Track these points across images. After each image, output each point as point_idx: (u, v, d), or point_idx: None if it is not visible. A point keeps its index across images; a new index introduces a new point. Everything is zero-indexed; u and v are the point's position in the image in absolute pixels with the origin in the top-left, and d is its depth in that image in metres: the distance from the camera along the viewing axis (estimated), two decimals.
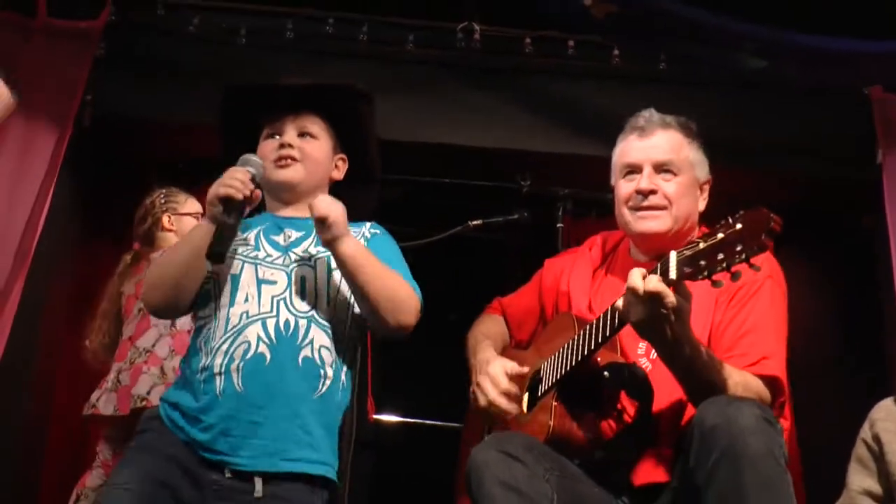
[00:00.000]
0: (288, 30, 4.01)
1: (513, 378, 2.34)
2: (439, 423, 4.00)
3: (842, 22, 3.56)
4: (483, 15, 4.08)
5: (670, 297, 1.89)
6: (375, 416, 3.88)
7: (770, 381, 2.13)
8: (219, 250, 2.07)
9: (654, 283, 1.89)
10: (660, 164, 2.35)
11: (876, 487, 2.38)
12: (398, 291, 2.20)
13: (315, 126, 2.38)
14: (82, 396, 3.50)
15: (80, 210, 4.07)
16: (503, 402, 2.30)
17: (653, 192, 2.33)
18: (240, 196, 2.11)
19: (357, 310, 2.25)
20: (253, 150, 2.34)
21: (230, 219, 2.10)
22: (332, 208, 2.16)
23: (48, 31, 3.83)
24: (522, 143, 4.11)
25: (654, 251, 2.32)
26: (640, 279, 1.91)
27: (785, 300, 2.29)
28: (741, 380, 2.08)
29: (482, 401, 2.35)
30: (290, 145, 2.32)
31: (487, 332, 2.62)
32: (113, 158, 4.24)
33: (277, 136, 2.34)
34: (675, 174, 2.35)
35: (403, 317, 2.19)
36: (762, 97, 4.12)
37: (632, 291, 1.93)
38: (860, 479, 2.41)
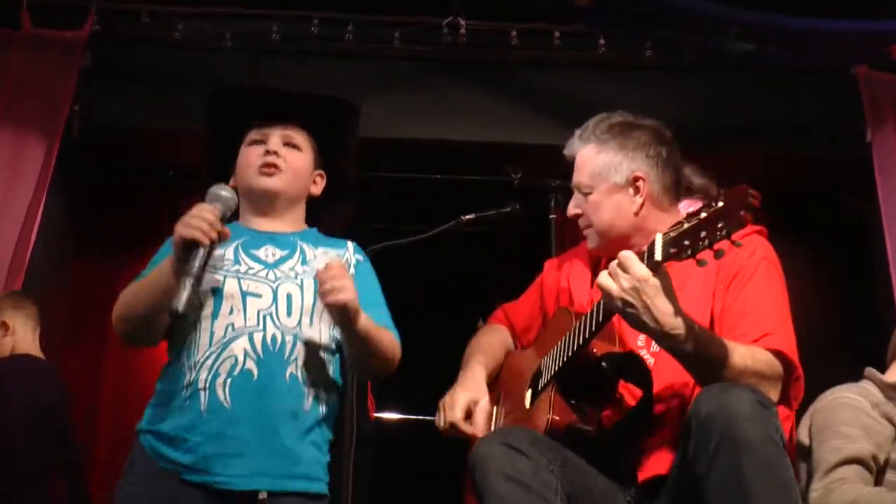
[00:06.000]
0: (273, 32, 4.01)
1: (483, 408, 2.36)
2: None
3: (825, 2, 3.56)
4: (468, 9, 4.08)
5: (647, 285, 1.91)
6: (376, 415, 3.89)
7: (776, 355, 2.12)
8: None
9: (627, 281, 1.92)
10: (575, 186, 2.40)
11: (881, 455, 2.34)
12: (394, 351, 2.20)
13: (300, 138, 2.36)
14: (80, 409, 3.49)
15: (72, 221, 4.06)
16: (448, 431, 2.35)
17: (577, 216, 2.38)
18: (206, 241, 2.00)
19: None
20: (236, 155, 2.32)
21: (193, 267, 1.97)
22: (349, 291, 2.04)
23: (33, 43, 3.82)
24: (512, 135, 4.12)
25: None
26: (609, 279, 1.94)
27: (782, 280, 2.28)
28: (747, 352, 2.06)
29: (440, 423, 2.38)
30: (276, 153, 2.29)
31: (487, 344, 2.59)
32: (103, 168, 4.23)
33: (262, 144, 2.32)
34: (587, 193, 2.37)
35: (390, 371, 2.23)
36: (749, 80, 4.13)
37: (605, 293, 1.96)
38: (868, 446, 2.34)
